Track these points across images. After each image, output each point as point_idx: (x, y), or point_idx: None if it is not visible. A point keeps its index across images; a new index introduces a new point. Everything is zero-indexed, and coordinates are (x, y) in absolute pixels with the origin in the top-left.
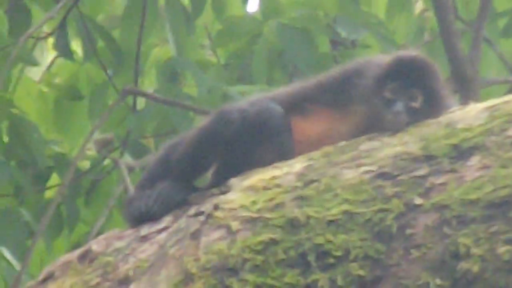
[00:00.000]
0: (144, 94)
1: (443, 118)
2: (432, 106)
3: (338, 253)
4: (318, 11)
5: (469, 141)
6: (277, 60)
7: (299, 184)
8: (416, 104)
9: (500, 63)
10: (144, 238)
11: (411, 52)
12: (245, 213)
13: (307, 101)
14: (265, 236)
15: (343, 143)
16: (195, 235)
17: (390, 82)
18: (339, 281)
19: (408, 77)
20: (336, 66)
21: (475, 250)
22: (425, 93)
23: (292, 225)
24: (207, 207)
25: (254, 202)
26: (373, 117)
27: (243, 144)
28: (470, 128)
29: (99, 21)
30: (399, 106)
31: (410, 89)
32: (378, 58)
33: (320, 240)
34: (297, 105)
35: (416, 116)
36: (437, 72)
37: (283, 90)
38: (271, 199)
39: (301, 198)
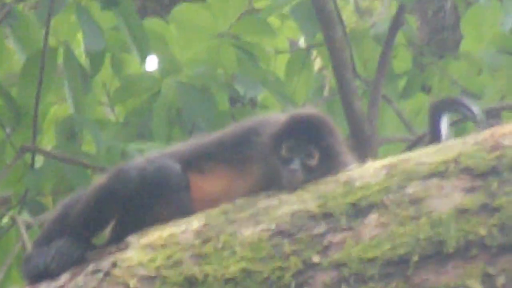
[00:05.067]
0: (42, 152)
1: (341, 176)
2: (329, 163)
3: None
4: (217, 68)
5: (366, 199)
6: (176, 118)
7: (197, 241)
8: (312, 162)
9: (398, 121)
10: None
11: (307, 109)
12: (143, 271)
13: (205, 158)
14: None
15: (241, 200)
16: None
17: (286, 140)
18: None
19: (304, 134)
20: (233, 123)
21: None
22: (322, 150)
23: (190, 283)
24: (105, 264)
25: (152, 260)
26: (270, 175)
27: (141, 202)
28: (368, 186)
29: None
30: (295, 163)
31: (306, 147)
32: (275, 116)
33: None
34: (195, 162)
35: (313, 174)
36: (333, 129)
37: (181, 146)
38: (169, 257)
39: (199, 256)
